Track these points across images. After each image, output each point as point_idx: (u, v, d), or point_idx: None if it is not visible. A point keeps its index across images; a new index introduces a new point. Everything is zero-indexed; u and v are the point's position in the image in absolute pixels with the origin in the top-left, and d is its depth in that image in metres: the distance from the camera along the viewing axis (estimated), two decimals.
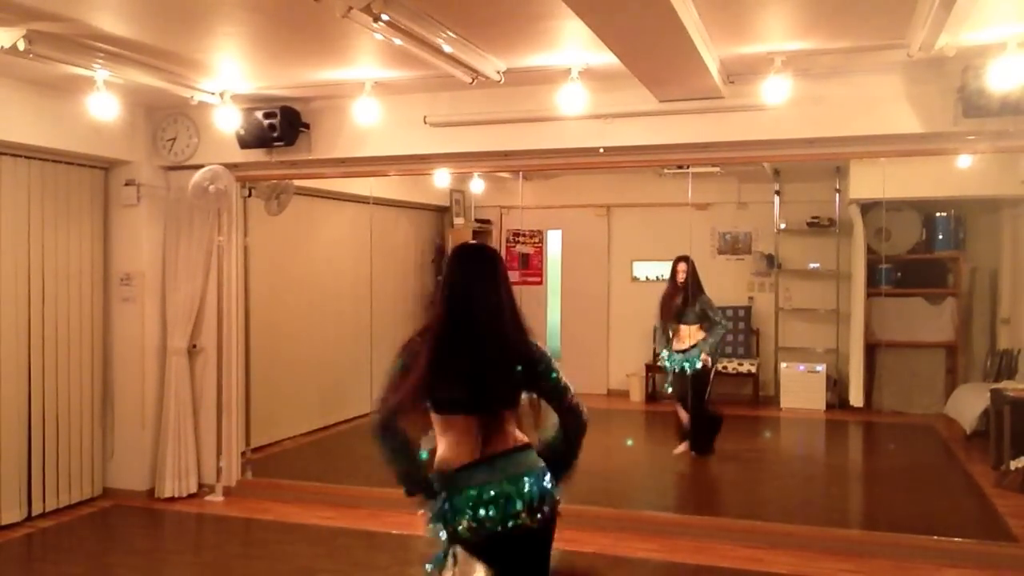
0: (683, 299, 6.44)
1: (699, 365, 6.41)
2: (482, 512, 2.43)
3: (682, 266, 6.47)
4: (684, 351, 6.47)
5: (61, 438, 5.47)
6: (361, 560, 4.65)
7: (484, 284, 2.55)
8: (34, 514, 5.28)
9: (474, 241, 2.77)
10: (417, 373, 2.46)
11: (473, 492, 2.44)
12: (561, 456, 2.62)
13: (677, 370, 6.48)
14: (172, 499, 5.70)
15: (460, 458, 2.47)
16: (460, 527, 2.44)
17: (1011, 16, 3.66)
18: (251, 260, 6.09)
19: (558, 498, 2.54)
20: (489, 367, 2.47)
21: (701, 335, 6.44)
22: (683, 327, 6.48)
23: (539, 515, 2.47)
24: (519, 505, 2.44)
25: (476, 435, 2.46)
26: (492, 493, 2.44)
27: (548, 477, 2.54)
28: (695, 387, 6.45)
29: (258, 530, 5.24)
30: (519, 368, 2.51)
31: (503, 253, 9.31)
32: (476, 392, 2.46)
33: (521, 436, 2.57)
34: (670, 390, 6.59)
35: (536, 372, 2.54)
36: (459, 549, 2.48)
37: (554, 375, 2.57)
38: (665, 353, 6.55)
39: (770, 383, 8.39)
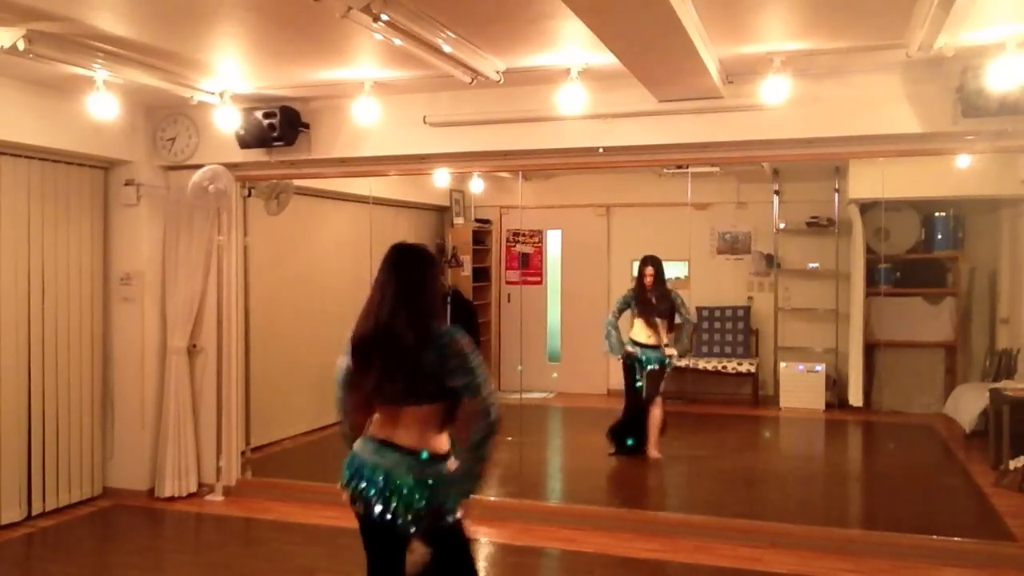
0: (652, 297, 6.44)
1: (667, 361, 6.43)
2: (363, 486, 2.64)
3: (649, 269, 6.46)
4: (645, 347, 6.45)
5: (61, 438, 5.47)
6: (361, 560, 4.64)
7: (400, 285, 2.66)
8: (34, 514, 5.28)
9: (409, 242, 2.80)
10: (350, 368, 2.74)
11: (367, 466, 2.65)
12: (465, 459, 2.64)
13: (643, 366, 6.46)
14: (172, 499, 5.70)
15: (373, 431, 2.71)
16: (351, 488, 2.69)
17: (1010, 16, 3.67)
18: (251, 260, 6.09)
19: (448, 519, 2.61)
20: (389, 366, 2.60)
21: (664, 333, 6.44)
22: (647, 324, 6.46)
23: (410, 520, 2.59)
24: (393, 501, 2.58)
25: (388, 421, 2.67)
26: (379, 477, 2.61)
27: (441, 495, 2.59)
28: (650, 382, 6.46)
29: (258, 530, 5.25)
30: (429, 365, 2.58)
31: (503, 253, 9.41)
32: (386, 386, 2.62)
33: (438, 444, 2.65)
34: (638, 384, 6.56)
35: (447, 368, 2.58)
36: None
37: (467, 375, 2.57)
38: (634, 348, 6.50)
39: (769, 383, 8.40)
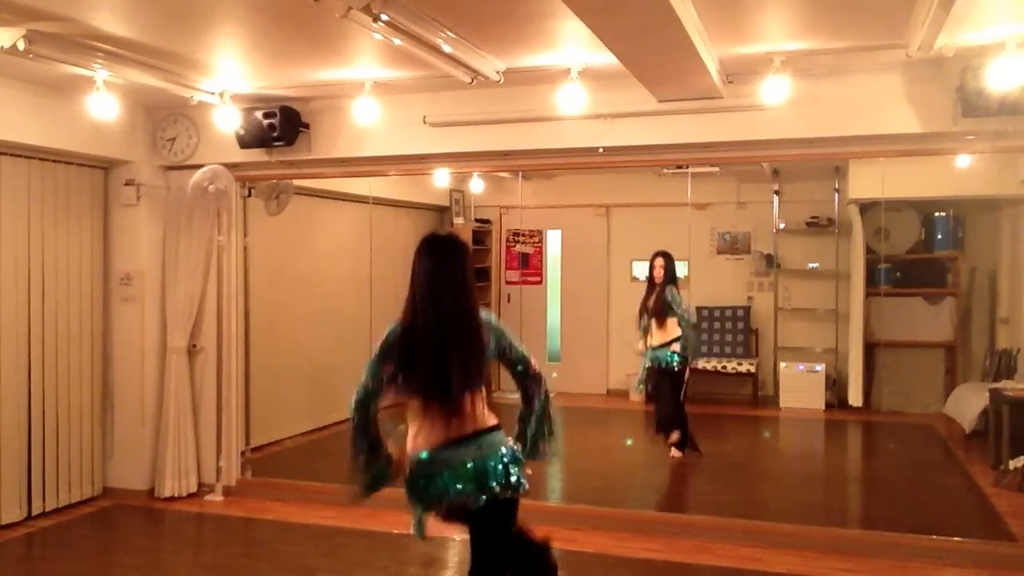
0: (659, 295, 6.42)
1: (675, 360, 6.36)
2: (459, 487, 2.66)
3: (659, 261, 6.43)
4: (659, 347, 6.42)
5: (61, 438, 5.47)
6: (361, 560, 4.65)
7: (453, 275, 2.73)
8: (34, 513, 5.28)
9: (442, 232, 2.84)
10: (396, 364, 2.70)
11: (449, 470, 2.67)
12: (536, 423, 2.81)
13: (653, 366, 6.45)
14: (172, 499, 5.70)
15: (437, 439, 2.70)
16: (439, 500, 2.69)
17: (1010, 16, 3.67)
18: (251, 260, 6.09)
19: (523, 477, 2.76)
20: (460, 355, 2.67)
21: (679, 331, 6.39)
22: (659, 323, 6.43)
23: (508, 489, 2.70)
24: (491, 481, 2.67)
25: (450, 418, 2.69)
26: (468, 468, 2.66)
27: (514, 454, 2.75)
28: (671, 385, 6.43)
29: (258, 530, 5.25)
30: (489, 348, 2.74)
31: (503, 253, 9.41)
32: (450, 379, 2.65)
33: (490, 417, 2.79)
34: (640, 387, 6.53)
35: (503, 345, 2.77)
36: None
37: (519, 347, 2.81)
38: (642, 347, 6.51)
39: (769, 383, 8.40)
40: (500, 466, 2.69)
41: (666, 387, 6.46)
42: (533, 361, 2.81)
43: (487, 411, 2.79)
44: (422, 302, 2.69)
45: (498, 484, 2.67)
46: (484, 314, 2.79)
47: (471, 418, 2.72)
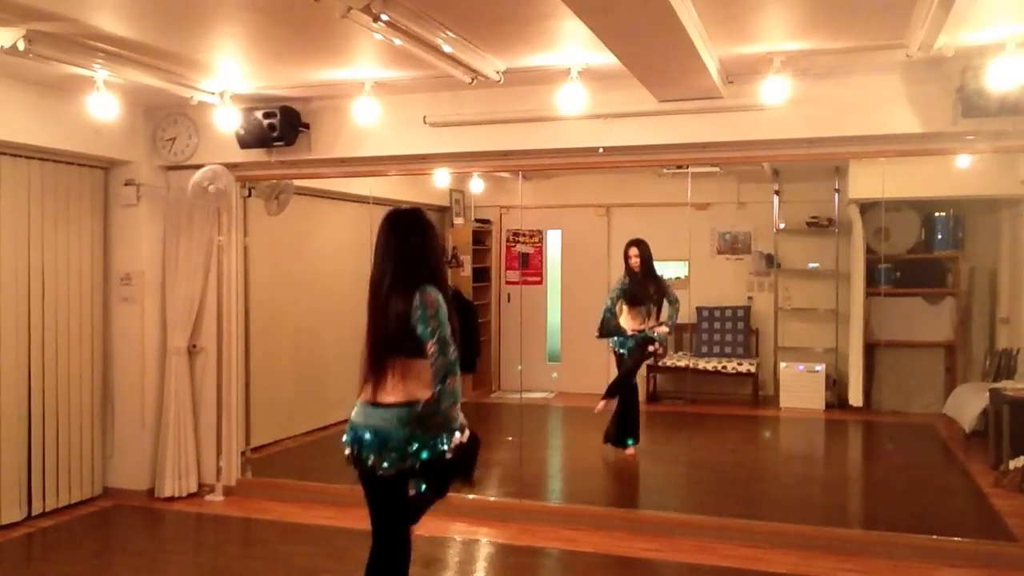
0: (638, 284, 6.42)
1: (652, 347, 6.43)
2: (358, 443, 2.91)
3: (633, 251, 6.44)
4: (632, 335, 6.46)
5: (61, 438, 5.47)
6: (361, 560, 4.63)
7: (388, 246, 2.95)
8: (34, 514, 5.29)
9: (403, 208, 3.08)
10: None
11: (360, 427, 2.92)
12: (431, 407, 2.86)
13: (625, 352, 6.48)
14: (172, 499, 5.70)
15: (364, 397, 2.95)
16: (351, 448, 2.96)
17: (1010, 16, 3.67)
18: (251, 260, 6.09)
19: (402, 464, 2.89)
20: (383, 320, 2.88)
21: (651, 321, 6.45)
22: (635, 311, 6.46)
23: (390, 467, 2.86)
24: (368, 452, 2.88)
25: (376, 381, 2.91)
26: (366, 435, 2.88)
27: (409, 441, 2.86)
28: (630, 363, 6.48)
29: (258, 530, 5.25)
30: (405, 317, 2.84)
31: (503, 253, 9.41)
32: (374, 336, 2.91)
33: (415, 392, 2.88)
34: (623, 351, 6.62)
35: (414, 319, 2.83)
36: None
37: (423, 323, 2.81)
38: (616, 339, 6.54)
39: (769, 383, 8.40)
40: (383, 442, 2.84)
41: (630, 367, 6.53)
42: (436, 336, 2.79)
43: (415, 386, 2.87)
44: (373, 273, 2.97)
45: (373, 457, 2.85)
46: (420, 287, 2.84)
47: (388, 388, 2.88)
